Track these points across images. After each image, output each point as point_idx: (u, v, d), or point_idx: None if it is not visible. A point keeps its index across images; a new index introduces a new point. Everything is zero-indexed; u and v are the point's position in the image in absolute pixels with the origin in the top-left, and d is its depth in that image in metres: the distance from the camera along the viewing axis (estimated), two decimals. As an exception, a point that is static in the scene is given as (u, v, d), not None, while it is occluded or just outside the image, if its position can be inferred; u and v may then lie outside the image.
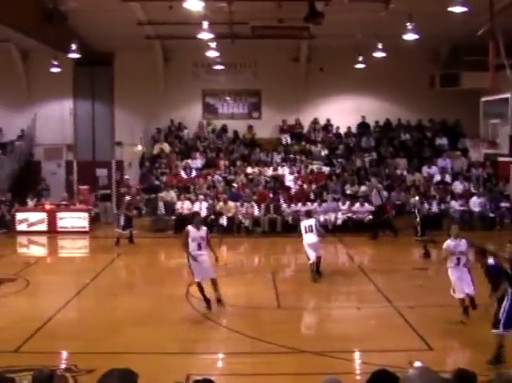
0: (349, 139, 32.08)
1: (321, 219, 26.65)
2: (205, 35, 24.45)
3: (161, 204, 27.95)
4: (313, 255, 17.92)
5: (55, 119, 32.88)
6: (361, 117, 32.18)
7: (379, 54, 27.47)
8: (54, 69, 29.73)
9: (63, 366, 10.87)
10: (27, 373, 7.77)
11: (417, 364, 3.59)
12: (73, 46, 26.85)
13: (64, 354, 11.79)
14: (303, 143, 31.83)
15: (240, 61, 32.44)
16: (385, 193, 27.47)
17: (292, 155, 31.09)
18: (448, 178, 29.35)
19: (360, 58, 29.03)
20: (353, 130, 32.31)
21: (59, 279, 19.36)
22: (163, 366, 10.41)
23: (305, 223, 18.41)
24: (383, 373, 5.19)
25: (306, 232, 18.16)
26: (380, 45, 27.02)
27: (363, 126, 32.34)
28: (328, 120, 32.41)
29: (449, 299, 13.63)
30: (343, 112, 32.01)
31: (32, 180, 31.55)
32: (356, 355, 11.68)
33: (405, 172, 29.84)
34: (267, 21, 25.41)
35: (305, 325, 13.46)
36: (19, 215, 27.60)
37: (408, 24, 22.95)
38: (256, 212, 27.34)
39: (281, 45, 30.33)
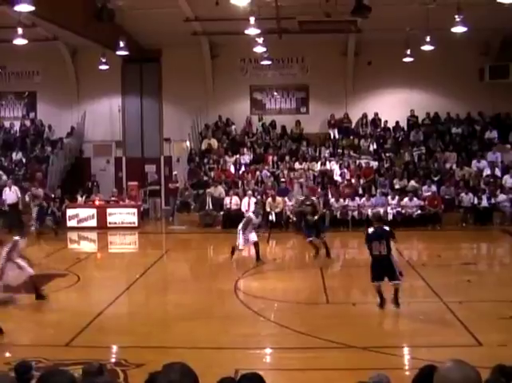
0: (398, 133, 31.80)
1: (369, 213, 26.56)
2: (252, 31, 24.46)
3: (209, 200, 28.05)
4: None
5: (104, 116, 33.24)
6: (410, 111, 31.85)
7: (427, 47, 27.21)
8: (103, 67, 30.01)
9: (113, 360, 10.97)
10: (78, 367, 7.85)
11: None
12: (121, 43, 27.06)
13: (114, 348, 11.92)
14: (351, 137, 31.67)
15: (287, 55, 32.40)
16: (433, 187, 27.32)
17: (340, 150, 30.96)
18: (498, 172, 28.93)
19: (409, 51, 28.72)
20: (402, 124, 32.01)
21: (109, 274, 19.59)
22: (211, 361, 10.44)
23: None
24: (431, 368, 5.15)
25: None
26: (428, 38, 26.75)
27: (412, 120, 32.04)
28: (377, 114, 32.16)
29: (499, 294, 13.47)
30: (391, 106, 31.75)
31: (81, 177, 31.95)
32: (405, 350, 11.60)
33: (454, 166, 29.51)
34: (314, 16, 25.31)
35: (354, 320, 13.36)
36: (69, 212, 27.95)
37: (457, 16, 22.65)
38: (304, 207, 27.28)
39: (329, 39, 30.22)
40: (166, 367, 4.74)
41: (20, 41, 25.40)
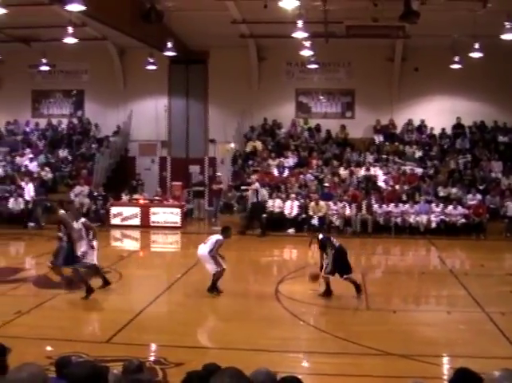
0: (443, 140, 31.55)
1: (412, 220, 26.45)
2: (299, 34, 24.46)
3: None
4: None
5: (150, 115, 33.51)
6: (456, 118, 31.56)
7: (475, 54, 26.96)
8: (150, 67, 30.26)
9: (152, 358, 11.06)
10: (118, 364, 7.93)
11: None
12: (169, 44, 27.29)
13: (154, 347, 12.00)
14: (396, 143, 31.50)
15: (334, 60, 32.33)
16: (478, 196, 27.13)
17: (385, 156, 30.81)
18: (544, 181, 28.58)
19: (456, 58, 28.48)
20: (448, 131, 31.75)
21: (151, 273, 19.71)
22: (248, 363, 10.39)
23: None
24: (466, 372, 5.12)
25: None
26: (476, 45, 26.51)
27: (458, 127, 31.73)
28: (423, 121, 31.95)
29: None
30: (438, 113, 31.50)
31: (126, 175, 32.24)
32: (444, 360, 11.49)
33: (500, 175, 29.19)
34: (362, 20, 25.26)
35: (393, 327, 13.29)
36: (113, 209, 28.25)
37: (506, 23, 22.45)
38: (347, 212, 27.23)
39: (376, 44, 30.13)
40: (218, 371, 4.77)
41: (70, 40, 25.75)
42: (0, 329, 12.33)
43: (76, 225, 16.06)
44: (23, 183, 28.29)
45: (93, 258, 16.01)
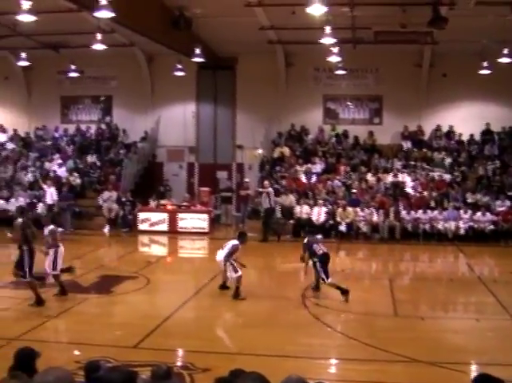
0: (472, 146, 31.34)
1: (441, 227, 26.31)
2: (327, 40, 24.48)
3: (279, 208, 28.09)
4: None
5: (178, 121, 33.61)
6: (485, 124, 31.32)
7: (505, 60, 26.82)
8: (178, 73, 30.41)
9: (180, 364, 11.08)
10: (145, 369, 7.96)
11: None
12: (197, 51, 27.40)
13: (181, 352, 12.03)
14: (424, 150, 31.33)
15: (362, 66, 32.24)
16: (507, 202, 26.95)
17: (412, 162, 30.66)
18: None
19: (485, 64, 28.34)
20: (476, 137, 31.53)
21: (178, 278, 19.80)
22: (275, 369, 10.39)
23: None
24: (486, 377, 5.07)
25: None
26: (506, 51, 26.36)
27: (486, 133, 31.49)
28: (451, 127, 31.75)
29: None
30: (466, 119, 31.26)
31: (154, 181, 32.38)
32: (473, 367, 11.41)
33: (529, 181, 28.95)
34: (390, 26, 25.17)
35: (421, 334, 13.21)
36: (141, 215, 28.36)
37: (536, 28, 22.32)
38: (375, 218, 27.14)
39: (404, 50, 30.03)
40: (239, 375, 4.79)
41: (98, 47, 25.96)
42: (29, 333, 12.45)
43: (46, 231, 16.21)
44: (45, 187, 28.53)
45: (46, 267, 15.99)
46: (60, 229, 27.35)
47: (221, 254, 16.48)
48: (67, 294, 15.99)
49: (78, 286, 17.33)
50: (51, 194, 28.29)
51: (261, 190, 27.68)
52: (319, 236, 26.77)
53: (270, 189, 27.22)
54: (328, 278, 16.05)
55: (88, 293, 16.65)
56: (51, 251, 15.98)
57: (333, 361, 12.02)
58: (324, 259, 16.35)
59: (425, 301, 17.03)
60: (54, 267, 15.92)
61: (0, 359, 10.36)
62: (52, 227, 16.61)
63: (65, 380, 4.80)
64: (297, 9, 22.40)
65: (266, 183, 27.56)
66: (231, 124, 34.15)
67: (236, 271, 16.21)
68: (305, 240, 17.22)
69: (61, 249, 16.26)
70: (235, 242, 16.61)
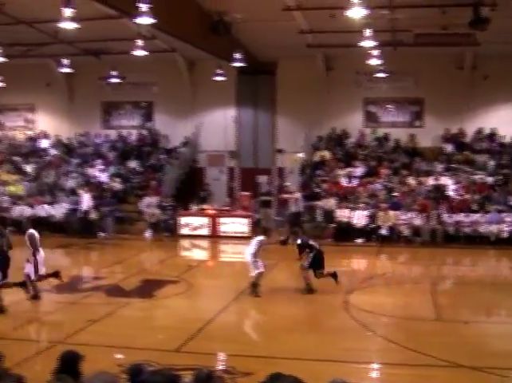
0: (515, 149, 30.97)
1: (483, 230, 26.06)
2: (367, 43, 24.38)
3: (319, 211, 28.05)
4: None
5: (218, 126, 33.69)
6: (529, 127, 30.93)
7: (548, 61, 26.50)
8: (218, 78, 30.52)
9: (221, 368, 11.12)
10: (187, 373, 8.00)
11: None
12: (237, 55, 27.48)
13: (223, 356, 12.07)
14: (466, 152, 31.04)
15: (402, 68, 31.99)
16: None
17: (454, 165, 30.39)
18: None
19: (528, 65, 28.04)
20: (519, 140, 31.15)
21: (219, 283, 19.87)
22: (316, 373, 10.42)
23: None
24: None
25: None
26: (550, 52, 26.07)
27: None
28: (493, 129, 31.40)
29: None
30: (509, 121, 30.86)
31: (195, 186, 32.52)
32: (517, 372, 11.31)
33: None
34: (430, 28, 25.03)
35: (463, 338, 13.09)
36: (182, 220, 28.50)
37: None
38: (417, 222, 26.97)
39: (445, 52, 29.76)
40: (277, 379, 4.80)
41: (139, 53, 26.16)
42: (73, 337, 12.60)
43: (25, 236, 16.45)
44: (82, 192, 28.92)
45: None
46: (102, 234, 27.95)
47: (249, 251, 17.09)
48: (40, 298, 16.15)
49: (121, 290, 17.50)
50: (87, 200, 28.65)
51: (289, 196, 27.81)
52: (359, 240, 26.81)
53: (298, 194, 27.25)
54: (321, 269, 17.31)
55: (130, 297, 16.80)
56: (31, 258, 16.11)
57: (375, 366, 11.96)
58: (321, 254, 17.53)
59: (467, 305, 16.86)
60: (36, 271, 16.05)
61: (44, 361, 10.54)
62: (30, 231, 16.72)
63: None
64: (337, 12, 22.36)
65: (294, 188, 27.64)
66: (271, 129, 34.15)
67: (258, 268, 16.79)
68: (299, 241, 17.81)
69: (41, 253, 16.36)
70: (261, 237, 17.43)
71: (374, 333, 13.71)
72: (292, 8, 23.84)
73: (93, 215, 28.57)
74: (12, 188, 31.70)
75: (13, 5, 22.98)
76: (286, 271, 21.80)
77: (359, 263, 24.64)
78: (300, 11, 24.62)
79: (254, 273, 16.73)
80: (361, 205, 27.75)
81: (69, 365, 6.61)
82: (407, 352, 12.08)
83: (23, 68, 33.09)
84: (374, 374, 11.70)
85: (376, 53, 27.54)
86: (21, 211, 29.61)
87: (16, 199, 30.51)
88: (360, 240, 26.89)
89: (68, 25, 20.04)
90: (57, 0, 19.09)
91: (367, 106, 33.27)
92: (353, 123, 32.88)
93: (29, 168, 33.40)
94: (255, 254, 16.81)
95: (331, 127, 32.78)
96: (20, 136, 36.39)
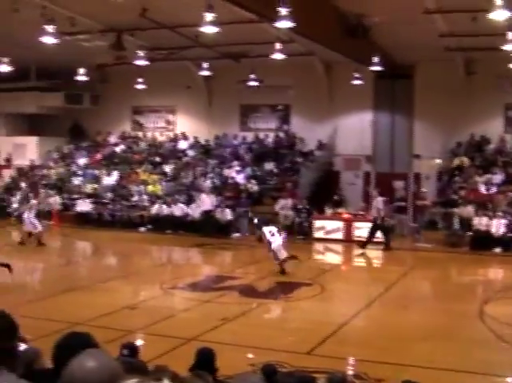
0: None
1: None
2: (510, 46, 23.72)
3: (456, 219, 27.49)
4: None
5: (354, 130, 33.51)
6: None
7: None
8: (356, 82, 30.42)
9: (353, 372, 11.09)
10: (319, 376, 8.04)
11: None
12: (375, 59, 27.30)
13: (354, 361, 12.03)
14: None
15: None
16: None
17: None
18: None
19: None
20: None
21: (352, 287, 19.82)
22: (450, 383, 10.30)
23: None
24: None
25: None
26: None
27: None
28: None
29: None
30: None
31: (330, 189, 32.48)
32: None
33: None
34: None
35: None
36: (317, 223, 28.55)
37: None
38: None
39: None
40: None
41: (277, 56, 26.43)
42: (206, 334, 12.86)
43: None
44: (203, 196, 29.76)
45: None
46: (236, 234, 28.47)
47: (278, 241, 20.07)
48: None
49: (254, 290, 17.72)
50: (208, 202, 29.59)
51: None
52: (497, 249, 26.08)
53: (379, 198, 26.86)
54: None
55: (263, 298, 16.99)
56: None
57: (509, 380, 11.64)
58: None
59: None
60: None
61: (178, 357, 10.81)
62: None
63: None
64: (478, 14, 21.86)
65: (375, 193, 27.30)
66: (408, 134, 33.69)
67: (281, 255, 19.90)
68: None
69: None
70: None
71: (510, 344, 13.32)
72: (432, 11, 23.48)
73: (219, 215, 29.15)
74: (151, 188, 32.77)
75: (156, 11, 23.71)
76: (420, 279, 21.54)
77: (496, 273, 23.99)
78: (440, 14, 24.21)
79: (283, 256, 20.00)
80: (500, 213, 27.00)
81: (206, 361, 6.78)
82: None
83: (165, 71, 34.07)
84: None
85: (519, 56, 26.73)
86: (159, 209, 30.60)
87: (155, 199, 31.52)
88: (498, 249, 26.15)
89: (209, 30, 20.50)
90: (198, 5, 19.56)
91: (508, 112, 32.32)
92: (493, 128, 32.00)
93: (167, 169, 34.36)
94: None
95: (469, 132, 32.03)
96: (160, 137, 37.46)
